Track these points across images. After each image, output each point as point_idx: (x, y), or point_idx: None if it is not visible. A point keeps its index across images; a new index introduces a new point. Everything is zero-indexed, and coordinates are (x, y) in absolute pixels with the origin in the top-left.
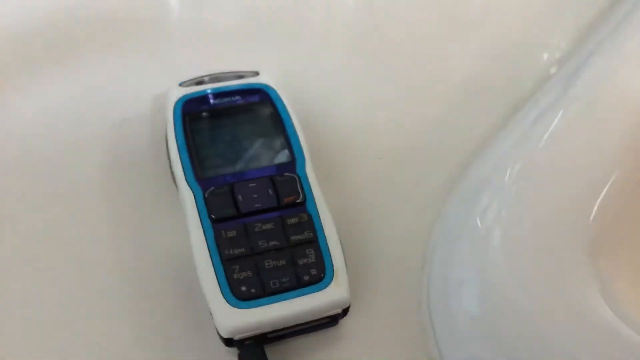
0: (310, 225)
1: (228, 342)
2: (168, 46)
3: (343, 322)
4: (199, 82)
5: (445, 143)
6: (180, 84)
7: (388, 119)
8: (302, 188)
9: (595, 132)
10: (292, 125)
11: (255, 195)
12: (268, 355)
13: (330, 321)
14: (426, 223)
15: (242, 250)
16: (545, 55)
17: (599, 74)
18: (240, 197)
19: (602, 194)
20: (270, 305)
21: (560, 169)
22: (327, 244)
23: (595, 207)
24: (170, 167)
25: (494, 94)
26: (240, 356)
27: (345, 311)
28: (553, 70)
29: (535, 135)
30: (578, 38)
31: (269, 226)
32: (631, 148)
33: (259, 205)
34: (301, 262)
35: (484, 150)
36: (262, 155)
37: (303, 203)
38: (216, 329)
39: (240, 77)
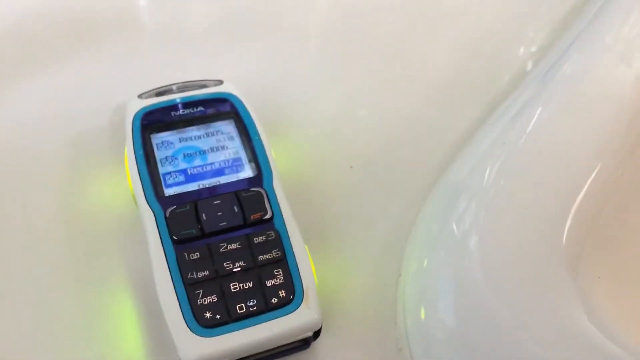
0: (278, 243)
1: None
2: (131, 54)
3: (315, 344)
4: (160, 93)
5: (421, 146)
6: (140, 96)
7: (358, 125)
8: (269, 203)
9: (574, 129)
10: (258, 136)
11: (219, 213)
12: None
13: (301, 344)
14: (402, 233)
15: (206, 273)
16: (522, 50)
17: (577, 69)
18: (203, 216)
19: (582, 192)
20: (237, 331)
21: (540, 168)
22: (296, 262)
23: (574, 208)
24: (130, 184)
25: (470, 92)
26: None
27: (317, 333)
28: (530, 65)
29: (514, 134)
30: (554, 32)
31: (234, 246)
32: (611, 144)
33: (224, 223)
34: (269, 283)
35: (461, 152)
36: (226, 169)
37: (270, 219)
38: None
39: (203, 86)
